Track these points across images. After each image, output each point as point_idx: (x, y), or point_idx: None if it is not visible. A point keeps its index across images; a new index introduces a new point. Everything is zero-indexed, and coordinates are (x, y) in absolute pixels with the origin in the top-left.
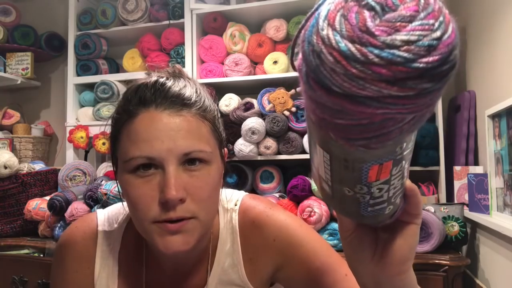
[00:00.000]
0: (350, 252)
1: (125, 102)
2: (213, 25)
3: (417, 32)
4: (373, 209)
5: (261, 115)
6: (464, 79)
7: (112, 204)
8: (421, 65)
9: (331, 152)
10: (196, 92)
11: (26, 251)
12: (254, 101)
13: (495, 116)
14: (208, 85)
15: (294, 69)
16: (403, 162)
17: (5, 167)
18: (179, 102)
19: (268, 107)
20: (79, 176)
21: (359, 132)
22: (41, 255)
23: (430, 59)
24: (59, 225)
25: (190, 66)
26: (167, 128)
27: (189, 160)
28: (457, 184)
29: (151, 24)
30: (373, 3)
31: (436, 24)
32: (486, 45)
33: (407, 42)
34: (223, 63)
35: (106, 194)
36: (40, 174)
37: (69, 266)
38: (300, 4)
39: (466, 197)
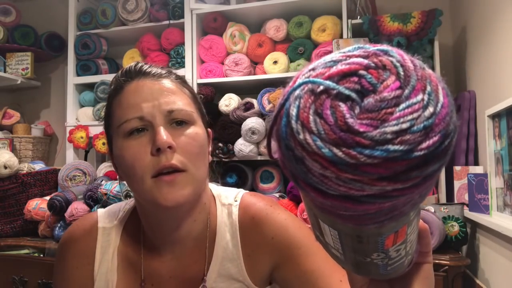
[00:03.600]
0: None
1: (113, 83)
2: (213, 25)
3: (408, 117)
4: (392, 267)
5: (261, 115)
6: (464, 79)
7: (112, 204)
8: (422, 152)
9: (339, 230)
10: (174, 72)
11: (26, 251)
12: (254, 101)
13: (495, 116)
14: (208, 85)
15: (272, 158)
16: (416, 219)
17: (5, 167)
18: (159, 75)
19: (268, 107)
20: (79, 176)
21: (368, 219)
22: (41, 255)
23: (430, 142)
24: (59, 225)
25: (190, 66)
26: (151, 91)
27: (176, 122)
28: (457, 184)
29: (151, 24)
30: (346, 92)
31: (426, 98)
32: (486, 45)
33: (399, 133)
34: (223, 63)
35: (106, 194)
36: (40, 174)
37: (70, 263)
38: (300, 4)
39: (466, 197)
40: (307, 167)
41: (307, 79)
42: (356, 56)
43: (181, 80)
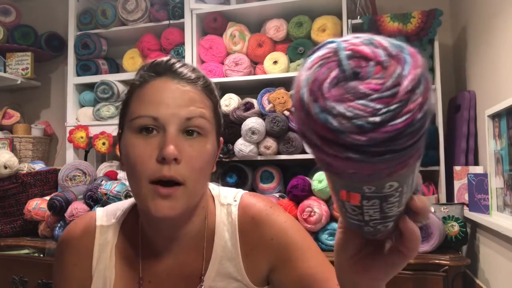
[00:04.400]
0: (336, 241)
1: (139, 73)
2: (213, 25)
3: (355, 111)
4: (351, 221)
5: (261, 115)
6: (464, 79)
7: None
8: (348, 138)
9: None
10: (204, 76)
11: (26, 251)
12: (254, 101)
13: (495, 116)
14: None
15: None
16: (378, 201)
17: (5, 167)
18: (187, 78)
19: (268, 107)
20: (79, 176)
21: (315, 158)
22: (41, 255)
23: (357, 137)
24: (59, 225)
25: None
26: (174, 95)
27: (188, 131)
28: (457, 184)
29: (151, 24)
30: (346, 67)
31: (383, 110)
32: (486, 45)
33: (342, 115)
34: (223, 63)
35: (106, 194)
36: (40, 174)
37: (68, 260)
38: (300, 4)
39: (466, 197)
40: (295, 91)
41: (340, 42)
42: (384, 49)
43: (208, 88)
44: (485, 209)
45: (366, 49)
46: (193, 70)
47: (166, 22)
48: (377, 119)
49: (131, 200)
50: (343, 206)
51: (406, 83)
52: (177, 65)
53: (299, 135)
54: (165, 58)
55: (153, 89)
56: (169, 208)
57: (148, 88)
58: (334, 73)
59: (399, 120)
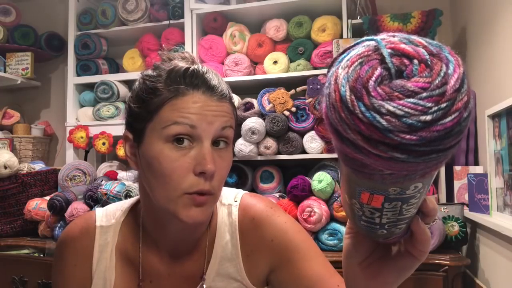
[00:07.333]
0: (345, 247)
1: (170, 78)
2: (213, 25)
3: (406, 109)
4: (364, 224)
5: (261, 115)
6: None
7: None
8: (396, 138)
9: (340, 163)
10: (229, 87)
11: (26, 251)
12: (254, 101)
13: (495, 116)
14: None
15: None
16: (400, 203)
17: (5, 167)
18: (220, 93)
19: (268, 107)
20: (79, 176)
21: (345, 159)
22: (41, 255)
23: (407, 136)
24: (59, 225)
25: None
26: (211, 109)
27: (215, 141)
28: (457, 184)
29: (151, 24)
30: (390, 64)
31: (434, 109)
32: (486, 45)
33: (392, 114)
34: (223, 63)
35: (106, 194)
36: (40, 174)
37: (68, 261)
38: (300, 4)
39: (466, 197)
40: (329, 92)
41: (380, 39)
42: (424, 48)
43: (232, 99)
44: (485, 209)
45: (408, 47)
46: (219, 81)
47: (166, 22)
48: (428, 117)
49: (130, 200)
50: (360, 209)
51: (453, 82)
52: (209, 76)
53: (332, 136)
54: (199, 69)
55: (190, 101)
56: (201, 214)
57: (185, 99)
58: (378, 71)
59: (448, 119)
